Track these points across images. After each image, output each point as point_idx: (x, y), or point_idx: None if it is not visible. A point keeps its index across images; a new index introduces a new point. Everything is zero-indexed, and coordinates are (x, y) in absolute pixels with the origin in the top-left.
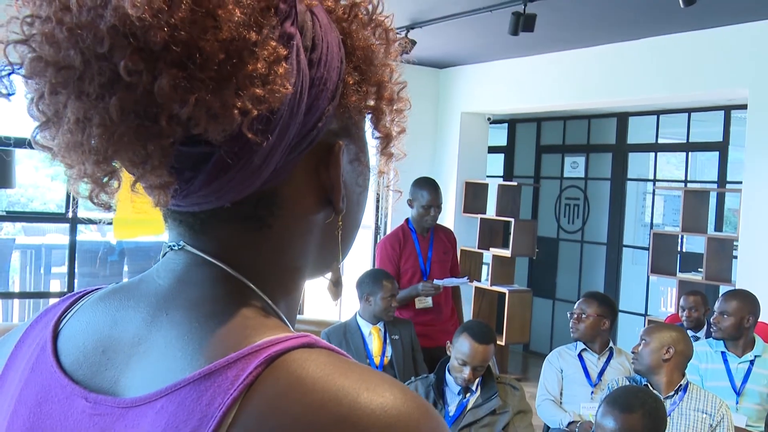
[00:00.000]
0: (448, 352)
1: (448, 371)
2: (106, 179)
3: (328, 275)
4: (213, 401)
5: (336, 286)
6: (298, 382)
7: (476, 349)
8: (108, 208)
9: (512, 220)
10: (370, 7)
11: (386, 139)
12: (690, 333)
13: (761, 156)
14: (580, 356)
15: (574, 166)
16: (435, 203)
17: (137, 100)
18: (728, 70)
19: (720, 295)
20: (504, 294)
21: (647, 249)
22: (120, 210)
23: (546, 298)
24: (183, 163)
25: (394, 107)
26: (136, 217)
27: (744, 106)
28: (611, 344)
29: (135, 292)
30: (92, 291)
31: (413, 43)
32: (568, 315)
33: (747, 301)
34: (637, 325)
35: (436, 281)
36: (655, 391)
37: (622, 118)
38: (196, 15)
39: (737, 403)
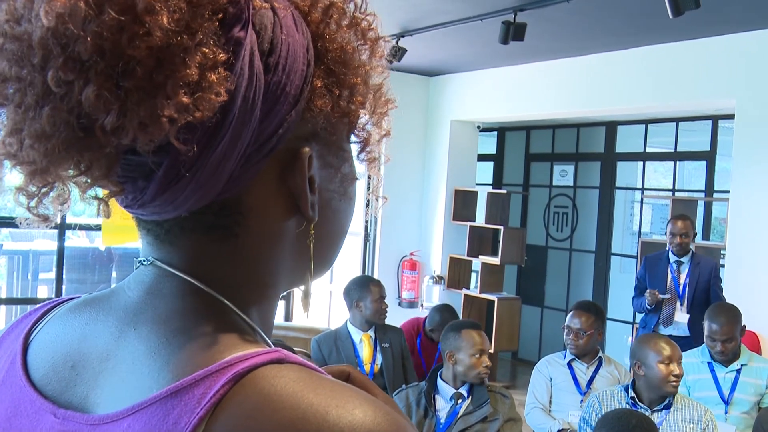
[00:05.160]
0: (449, 363)
1: (441, 378)
2: (45, 189)
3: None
4: (179, 420)
5: (305, 297)
6: (266, 400)
7: (481, 335)
8: (46, 219)
9: (501, 227)
10: (350, 6)
11: (364, 144)
12: (674, 258)
13: (748, 165)
14: (569, 365)
15: (563, 175)
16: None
17: (70, 111)
18: (716, 80)
19: (707, 313)
20: (493, 302)
21: (635, 257)
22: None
23: (535, 306)
24: (135, 173)
25: (378, 110)
26: (125, 224)
27: (731, 116)
28: (600, 353)
29: (105, 305)
30: (64, 301)
31: (404, 51)
32: (564, 330)
33: (734, 317)
34: (624, 334)
35: None
36: (642, 407)
37: (611, 127)
38: (123, 22)
39: (726, 412)
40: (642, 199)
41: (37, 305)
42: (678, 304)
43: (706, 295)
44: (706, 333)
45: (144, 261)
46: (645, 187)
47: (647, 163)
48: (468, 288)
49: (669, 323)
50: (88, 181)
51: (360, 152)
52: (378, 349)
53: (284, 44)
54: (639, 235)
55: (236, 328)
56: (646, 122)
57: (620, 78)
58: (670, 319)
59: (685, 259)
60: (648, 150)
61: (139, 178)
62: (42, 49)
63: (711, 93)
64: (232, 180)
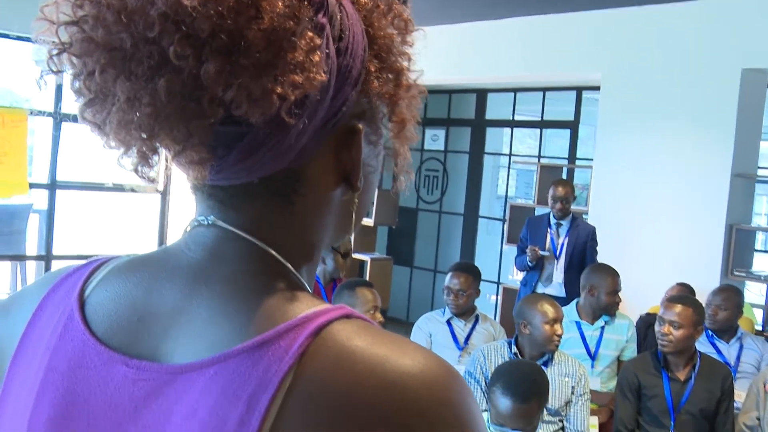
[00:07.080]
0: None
1: None
2: (151, 153)
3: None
4: (269, 368)
5: (345, 258)
6: (346, 351)
7: (373, 293)
8: (152, 180)
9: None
10: None
11: (401, 125)
12: (555, 221)
13: (611, 135)
14: (448, 322)
15: (435, 139)
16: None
17: (183, 83)
18: (583, 53)
19: (592, 271)
20: (366, 261)
21: (501, 220)
22: None
23: (405, 266)
24: (218, 141)
25: (410, 94)
26: None
27: (594, 88)
28: (477, 311)
29: (166, 264)
30: (109, 260)
31: None
32: (444, 291)
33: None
34: (489, 292)
35: None
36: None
37: (481, 95)
38: (242, 5)
39: (593, 367)
40: (510, 164)
41: (79, 264)
42: (555, 263)
43: (581, 257)
44: (593, 286)
45: (203, 220)
46: (512, 153)
47: (515, 129)
48: None
49: (549, 282)
50: (181, 147)
51: (398, 133)
52: None
53: (350, 31)
54: (506, 199)
55: (301, 287)
56: (515, 90)
57: (491, 47)
58: (550, 278)
59: (564, 222)
60: (516, 117)
61: (219, 146)
62: (161, 24)
63: (578, 65)
64: (302, 151)
